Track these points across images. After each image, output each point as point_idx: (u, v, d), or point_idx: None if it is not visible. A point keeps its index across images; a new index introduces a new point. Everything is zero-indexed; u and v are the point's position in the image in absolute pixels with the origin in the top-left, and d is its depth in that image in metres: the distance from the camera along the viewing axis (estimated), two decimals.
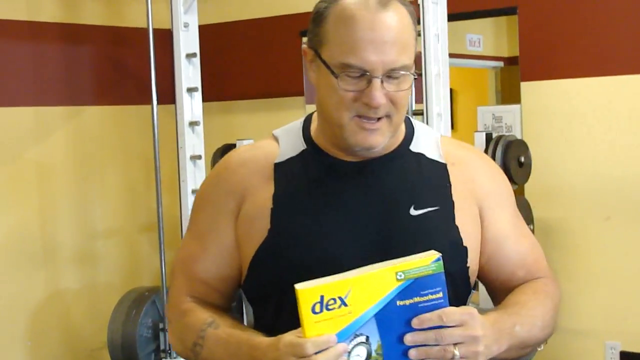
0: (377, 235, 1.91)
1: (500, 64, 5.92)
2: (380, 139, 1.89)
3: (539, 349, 4.50)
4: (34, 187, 5.25)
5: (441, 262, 1.73)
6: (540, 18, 4.85)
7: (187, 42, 4.73)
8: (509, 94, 5.24)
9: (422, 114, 4.07)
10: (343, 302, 1.69)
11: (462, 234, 1.96)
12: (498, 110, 5.06)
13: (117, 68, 5.66)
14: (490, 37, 5.87)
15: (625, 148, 4.65)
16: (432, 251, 1.76)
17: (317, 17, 1.90)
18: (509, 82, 5.25)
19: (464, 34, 5.80)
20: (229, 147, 4.92)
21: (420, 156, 2.02)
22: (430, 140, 2.06)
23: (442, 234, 1.94)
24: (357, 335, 1.71)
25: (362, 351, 1.72)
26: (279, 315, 1.92)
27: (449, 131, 4.09)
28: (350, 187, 1.96)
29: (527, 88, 4.90)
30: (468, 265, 1.97)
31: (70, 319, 5.41)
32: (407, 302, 1.73)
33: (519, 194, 4.79)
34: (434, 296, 1.73)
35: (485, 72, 6.25)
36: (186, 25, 4.72)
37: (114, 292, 5.24)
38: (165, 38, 4.84)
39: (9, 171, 5.12)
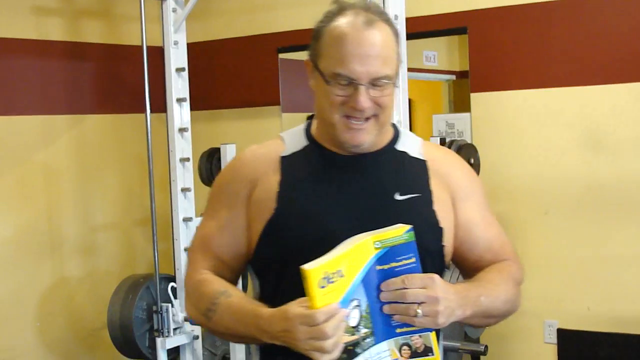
0: (367, 216, 1.99)
1: (453, 77, 5.91)
2: (367, 137, 1.98)
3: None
4: (41, 187, 5.25)
5: (412, 232, 1.83)
6: (488, 37, 4.87)
7: (176, 58, 4.75)
8: (460, 104, 5.23)
9: None
10: (340, 274, 1.75)
11: (438, 217, 2.05)
12: (451, 118, 5.06)
13: (115, 81, 5.65)
14: (444, 53, 5.87)
15: (560, 151, 4.69)
16: (404, 225, 1.84)
17: (315, 34, 2.01)
18: (460, 93, 5.24)
19: (421, 51, 5.80)
20: (214, 151, 4.95)
21: (404, 154, 2.11)
22: (413, 143, 2.15)
23: (422, 216, 2.02)
24: (352, 300, 1.77)
25: (356, 313, 1.78)
26: (280, 285, 2.00)
27: None
28: (345, 176, 2.05)
29: (476, 98, 4.92)
30: (443, 244, 2.05)
31: (74, 302, 5.42)
32: (385, 266, 1.81)
33: None
34: (407, 261, 1.82)
35: (440, 84, 6.25)
36: (176, 43, 4.73)
37: (112, 279, 5.24)
38: (157, 54, 4.82)
39: (19, 173, 5.13)
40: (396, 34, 2.00)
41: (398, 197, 2.03)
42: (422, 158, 2.12)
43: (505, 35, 4.83)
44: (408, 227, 1.83)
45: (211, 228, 2.13)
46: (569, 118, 4.66)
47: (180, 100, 4.76)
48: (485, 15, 4.87)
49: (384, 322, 1.82)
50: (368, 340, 1.81)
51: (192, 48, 4.92)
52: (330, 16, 1.99)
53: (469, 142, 4.78)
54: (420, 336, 1.84)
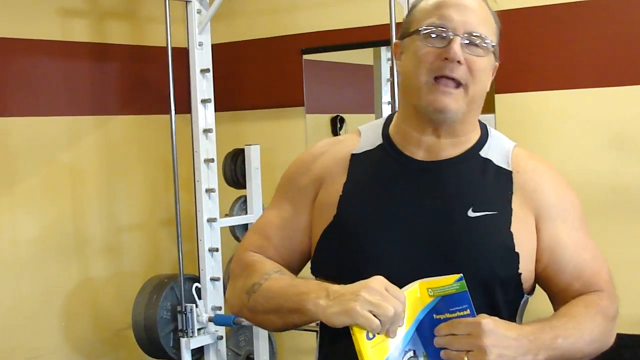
0: (432, 232, 1.82)
1: None
2: (453, 104, 1.81)
3: None
4: (67, 187, 5.25)
5: (463, 281, 1.66)
6: (512, 38, 4.80)
7: (201, 59, 4.75)
8: (485, 105, 5.23)
9: None
10: None
11: (515, 241, 1.83)
12: None
13: (140, 82, 5.64)
14: None
15: (585, 152, 4.65)
16: (457, 275, 1.69)
17: (409, 11, 1.91)
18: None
19: None
20: (238, 152, 4.97)
21: (487, 162, 1.90)
22: (502, 149, 1.93)
23: (496, 238, 1.82)
24: (406, 352, 1.66)
25: None
26: None
27: None
28: (415, 184, 1.87)
29: (501, 100, 4.87)
30: (520, 271, 1.83)
31: (99, 302, 5.42)
32: (441, 316, 1.68)
33: None
34: (461, 312, 1.67)
35: None
36: (200, 44, 4.73)
37: (137, 279, 5.25)
38: (182, 55, 4.81)
39: (45, 173, 5.13)
40: (494, 14, 1.91)
41: (471, 213, 1.82)
42: (508, 169, 1.89)
43: (530, 36, 4.79)
44: (458, 276, 1.67)
45: (272, 217, 2.01)
46: (594, 119, 4.62)
47: (204, 102, 4.75)
48: (509, 16, 4.79)
49: None
50: None
51: (216, 49, 4.89)
52: None
53: None
54: None
